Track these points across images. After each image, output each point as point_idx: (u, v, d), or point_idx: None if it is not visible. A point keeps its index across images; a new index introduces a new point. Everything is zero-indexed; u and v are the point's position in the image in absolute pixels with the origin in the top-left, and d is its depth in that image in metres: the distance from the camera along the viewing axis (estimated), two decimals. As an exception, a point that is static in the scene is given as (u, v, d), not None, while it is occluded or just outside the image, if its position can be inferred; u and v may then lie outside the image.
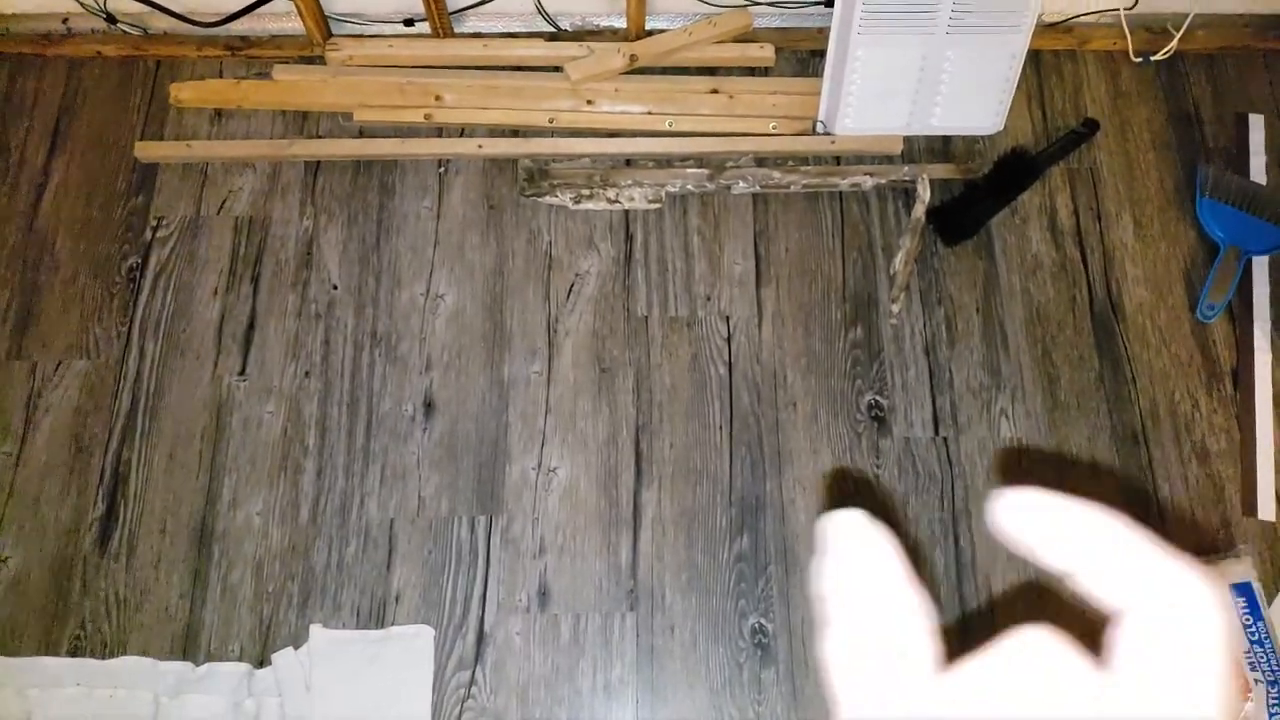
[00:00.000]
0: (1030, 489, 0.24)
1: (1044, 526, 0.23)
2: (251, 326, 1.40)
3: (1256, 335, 1.41)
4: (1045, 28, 1.57)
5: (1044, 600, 1.28)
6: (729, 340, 1.41)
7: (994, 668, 0.23)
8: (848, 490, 1.33)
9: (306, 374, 1.38)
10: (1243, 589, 1.27)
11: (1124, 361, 1.41)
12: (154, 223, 1.46)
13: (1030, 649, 0.22)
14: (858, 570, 0.23)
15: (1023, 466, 1.35)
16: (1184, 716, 0.20)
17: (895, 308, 1.43)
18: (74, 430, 1.34)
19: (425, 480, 1.32)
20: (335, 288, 1.43)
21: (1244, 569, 1.28)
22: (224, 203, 1.48)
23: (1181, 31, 1.54)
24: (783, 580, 1.28)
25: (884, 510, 1.32)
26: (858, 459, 1.35)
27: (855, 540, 0.24)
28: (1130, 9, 1.52)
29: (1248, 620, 1.25)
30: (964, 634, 1.26)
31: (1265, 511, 1.32)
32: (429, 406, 1.36)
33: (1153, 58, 1.57)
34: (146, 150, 1.49)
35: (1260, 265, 1.45)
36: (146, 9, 1.53)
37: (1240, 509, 1.33)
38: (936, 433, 1.37)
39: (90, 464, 1.33)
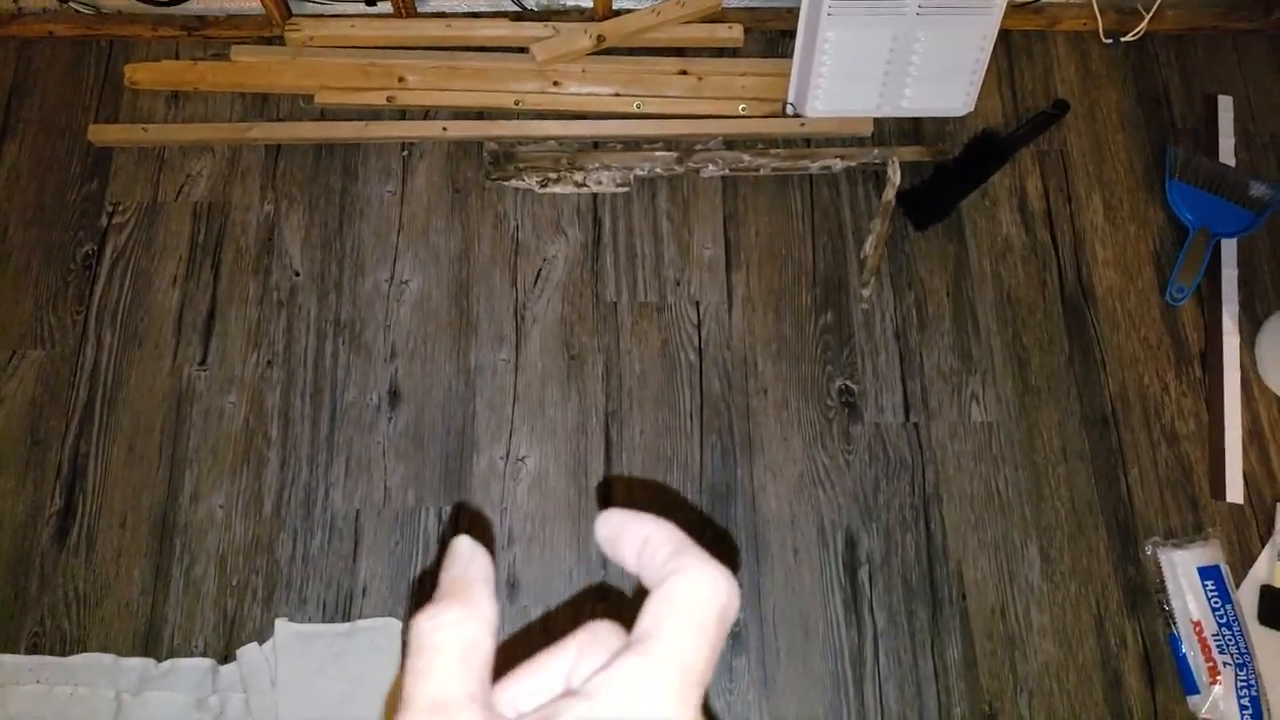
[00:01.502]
0: (616, 510, 0.28)
1: (620, 536, 0.28)
2: (212, 315, 1.35)
3: (1225, 318, 1.38)
4: (1015, 8, 1.53)
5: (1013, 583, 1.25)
6: (699, 326, 1.37)
7: (562, 658, 0.27)
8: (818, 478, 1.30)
9: (269, 363, 1.33)
10: (1210, 572, 1.25)
11: (1094, 345, 1.38)
12: (110, 208, 1.40)
13: (594, 637, 0.27)
14: (450, 580, 0.27)
15: (994, 450, 1.32)
16: (673, 657, 0.24)
17: (866, 292, 1.40)
18: (30, 422, 1.29)
19: (391, 471, 1.28)
20: (297, 274, 1.38)
21: (1212, 552, 1.27)
22: (182, 188, 1.42)
23: (1151, 12, 1.50)
24: (754, 568, 1.25)
25: (855, 495, 1.29)
26: (829, 445, 1.32)
27: (459, 559, 0.28)
28: (1101, -11, 1.49)
29: (1216, 604, 1.23)
30: (936, 623, 1.24)
31: (1233, 494, 1.30)
32: (394, 395, 1.32)
33: (1123, 39, 1.53)
34: (101, 134, 1.43)
35: (1229, 248, 1.42)
36: (99, -13, 1.46)
37: (1209, 491, 1.32)
38: (907, 418, 1.34)
39: (47, 457, 1.27)
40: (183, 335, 1.34)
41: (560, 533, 1.26)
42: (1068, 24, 1.55)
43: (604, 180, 1.44)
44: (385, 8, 1.52)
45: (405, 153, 1.45)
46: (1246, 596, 1.26)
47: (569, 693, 0.25)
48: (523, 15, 1.53)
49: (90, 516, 1.24)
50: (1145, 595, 1.26)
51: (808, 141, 1.48)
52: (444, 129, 1.45)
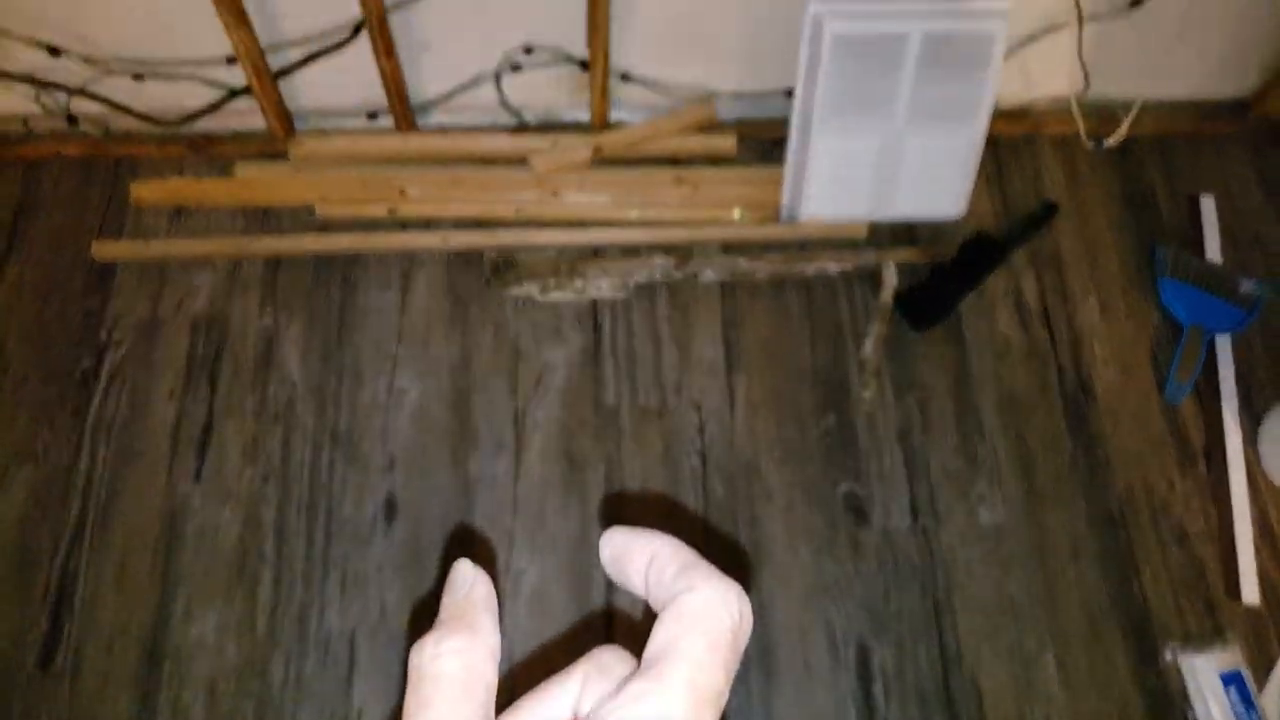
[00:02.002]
0: (619, 529, 0.27)
1: (625, 556, 0.27)
2: (208, 429, 1.33)
3: (1225, 414, 1.37)
4: (1001, 113, 1.56)
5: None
6: (701, 430, 1.36)
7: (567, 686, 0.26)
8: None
9: (265, 478, 1.30)
10: (1232, 678, 1.21)
11: (1097, 443, 1.37)
12: (110, 323, 1.39)
13: (598, 665, 0.26)
14: (454, 600, 0.26)
15: (1004, 553, 1.29)
16: (687, 679, 0.22)
17: (867, 394, 1.39)
18: (19, 541, 1.25)
19: (387, 587, 1.24)
20: (295, 386, 1.36)
21: (1233, 657, 1.23)
22: (182, 302, 1.42)
23: (1131, 117, 1.54)
24: (764, 684, 1.20)
25: (866, 604, 1.25)
26: (837, 552, 1.29)
27: (461, 584, 0.27)
28: (1081, 96, 1.53)
29: (1240, 712, 1.19)
30: (952, 733, 1.19)
31: (1249, 595, 1.27)
32: (390, 508, 1.29)
33: (1105, 142, 1.57)
34: (104, 250, 1.44)
35: (1224, 344, 1.42)
36: (108, 109, 1.48)
37: (1223, 591, 1.28)
38: (915, 522, 1.31)
39: (35, 577, 1.23)
40: (178, 450, 1.31)
41: (562, 654, 1.21)
42: (1052, 128, 1.58)
43: (603, 286, 1.44)
44: (386, 122, 1.55)
45: (406, 264, 1.45)
46: (1271, 702, 1.21)
47: (583, 718, 0.24)
48: (522, 129, 1.56)
49: (77, 639, 1.20)
50: (1167, 702, 1.21)
51: (803, 246, 1.49)
52: (444, 239, 1.46)
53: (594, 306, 1.44)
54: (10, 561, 1.24)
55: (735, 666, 0.24)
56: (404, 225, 1.48)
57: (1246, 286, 1.45)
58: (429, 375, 1.38)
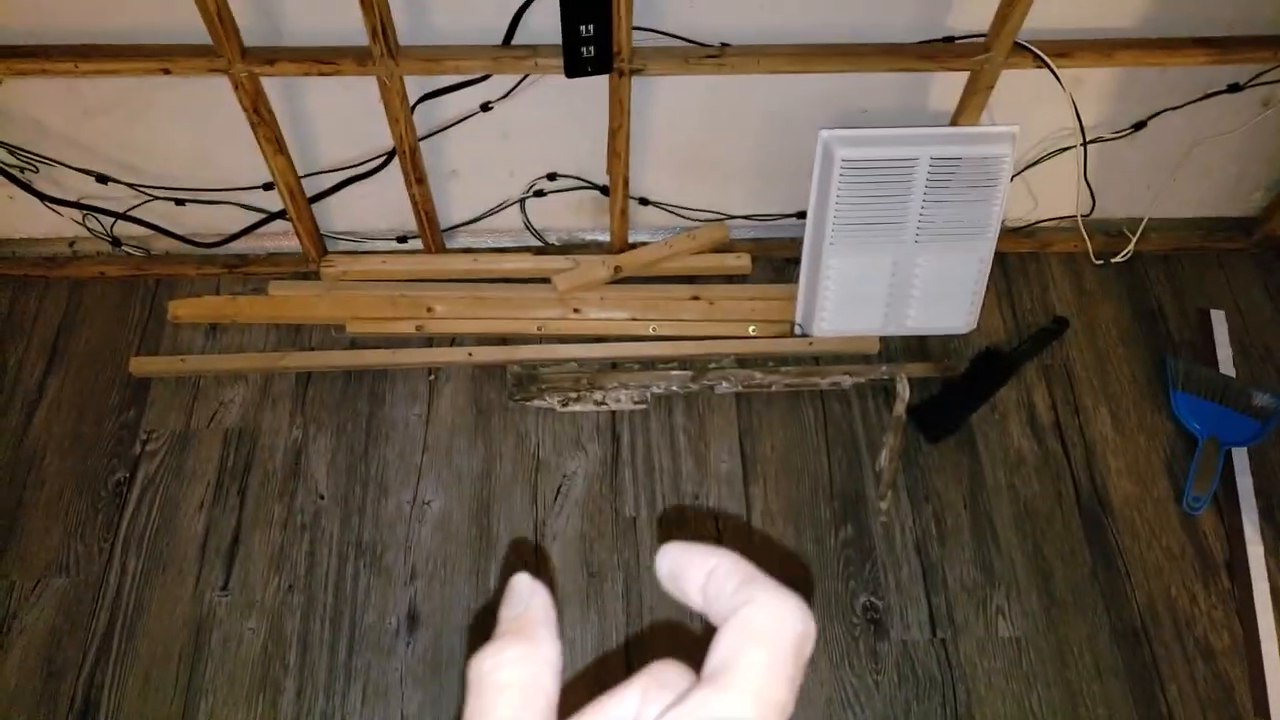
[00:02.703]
0: (676, 543, 0.28)
1: (683, 570, 0.27)
2: (236, 540, 1.41)
3: (1246, 527, 1.43)
4: (1009, 232, 1.68)
5: (1059, 816, 1.23)
6: (719, 540, 1.42)
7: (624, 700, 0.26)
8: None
9: (290, 587, 1.38)
10: (1265, 798, 1.23)
11: (1116, 556, 1.42)
12: (144, 436, 1.50)
13: (657, 678, 0.26)
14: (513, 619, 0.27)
15: (1024, 667, 1.33)
16: (752, 690, 0.23)
17: (883, 505, 1.46)
18: (47, 652, 1.32)
19: (409, 699, 1.30)
20: (322, 497, 1.45)
21: (1264, 776, 1.25)
22: (214, 415, 1.52)
23: (1137, 236, 1.65)
24: (783, 800, 1.24)
25: (886, 718, 1.30)
26: (856, 664, 1.34)
27: (519, 597, 0.27)
28: (1087, 215, 1.64)
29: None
30: None
31: (1278, 713, 1.30)
32: (413, 619, 1.35)
33: (1112, 260, 1.67)
34: (141, 365, 1.55)
35: (1240, 456, 1.49)
36: (150, 232, 1.63)
37: (1251, 708, 1.31)
38: (934, 634, 1.36)
39: (61, 689, 1.30)
40: (206, 560, 1.40)
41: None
42: (1059, 246, 1.70)
43: (622, 398, 1.54)
44: (416, 244, 1.68)
45: (432, 377, 1.56)
46: (1308, 826, 1.23)
47: None
48: (544, 250, 1.69)
49: (100, 752, 1.25)
50: (1200, 826, 1.23)
51: (816, 359, 1.59)
52: (469, 354, 1.57)
53: (613, 418, 1.53)
54: (38, 673, 1.31)
55: (799, 680, 0.24)
56: (430, 341, 1.59)
57: (1260, 399, 1.52)
58: (452, 486, 1.46)
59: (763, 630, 0.24)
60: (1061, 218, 1.68)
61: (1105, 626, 1.37)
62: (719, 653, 0.24)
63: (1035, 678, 1.33)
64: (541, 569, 1.40)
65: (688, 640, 1.34)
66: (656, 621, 1.36)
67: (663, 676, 0.26)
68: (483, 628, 1.32)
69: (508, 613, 0.27)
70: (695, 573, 0.27)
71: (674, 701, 0.24)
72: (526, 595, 0.27)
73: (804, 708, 1.30)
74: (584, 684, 1.31)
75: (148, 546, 1.40)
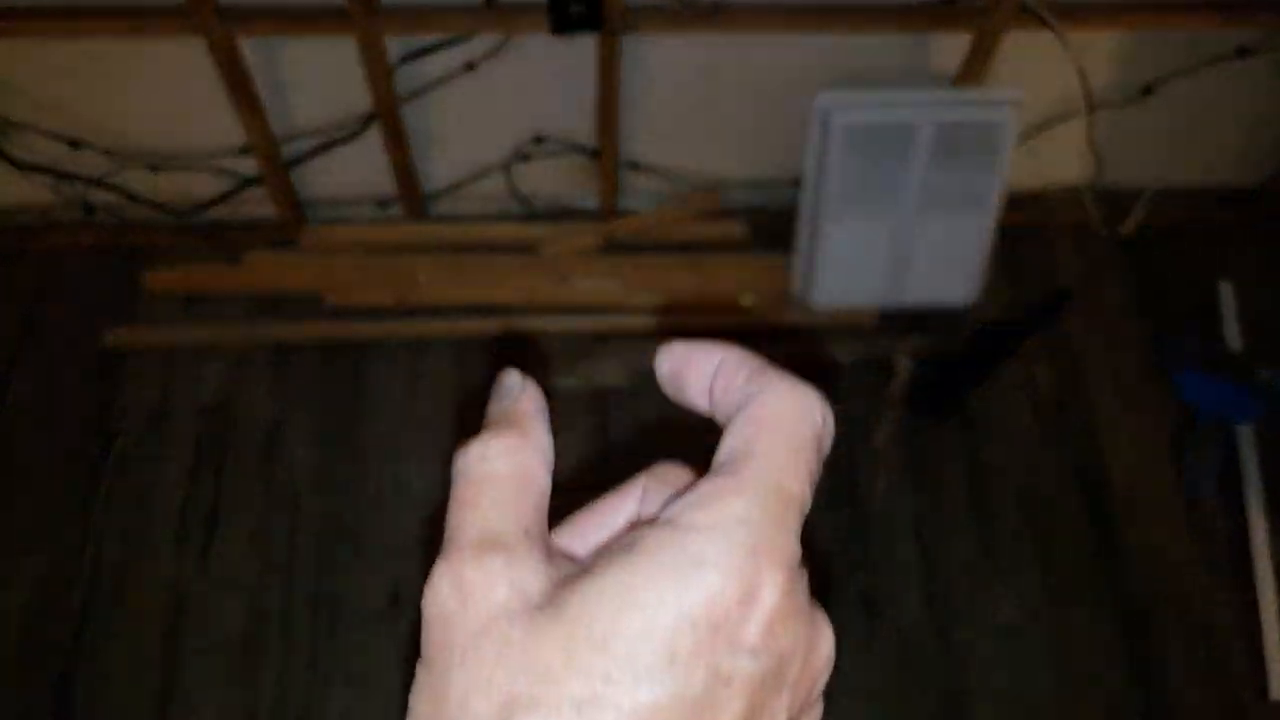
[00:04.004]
0: (678, 341, 0.27)
1: (686, 368, 0.26)
2: (214, 517, 1.44)
3: (1249, 505, 1.46)
4: (1013, 202, 1.69)
5: None
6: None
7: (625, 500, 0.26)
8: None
9: (269, 566, 1.41)
10: (1261, 780, 1.28)
11: (1117, 534, 1.45)
12: (118, 412, 1.52)
13: (659, 476, 0.26)
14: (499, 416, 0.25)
15: (1023, 652, 1.37)
16: (769, 479, 0.22)
17: (880, 485, 1.49)
18: (24, 631, 1.36)
19: (390, 679, 1.33)
20: (302, 475, 1.48)
21: (1261, 758, 1.29)
22: (190, 390, 1.54)
23: (1143, 206, 1.67)
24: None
25: (880, 701, 1.33)
26: (849, 647, 1.37)
27: (508, 393, 0.26)
28: (1092, 185, 1.66)
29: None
30: (969, 838, 1.25)
31: (1277, 692, 1.34)
32: (394, 599, 1.38)
33: (1118, 230, 1.69)
34: (116, 338, 1.57)
35: (1245, 434, 1.52)
36: (124, 199, 1.64)
37: (1253, 692, 1.35)
38: (930, 618, 1.39)
39: (40, 666, 1.33)
40: (183, 539, 1.42)
41: None
42: (1064, 216, 1.71)
43: (611, 373, 1.56)
44: (396, 211, 1.70)
45: (414, 350, 1.58)
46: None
47: (646, 520, 0.23)
48: (531, 217, 1.71)
49: (78, 733, 1.29)
50: (1196, 808, 1.28)
51: (813, 332, 1.61)
52: (453, 326, 1.59)
53: (602, 393, 1.55)
54: (14, 652, 1.34)
55: (818, 475, 0.23)
56: (412, 312, 1.61)
57: (1266, 375, 1.55)
58: (435, 463, 1.49)
59: (780, 419, 0.23)
60: (1066, 187, 1.70)
61: (1106, 610, 1.40)
62: (731, 441, 0.23)
63: (1033, 660, 1.37)
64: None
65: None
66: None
67: (665, 475, 0.27)
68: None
69: (496, 406, 0.26)
70: (700, 368, 0.26)
71: (681, 490, 0.23)
72: (516, 389, 0.26)
73: (795, 689, 1.33)
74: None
75: (124, 523, 1.43)
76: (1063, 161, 1.67)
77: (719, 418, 0.25)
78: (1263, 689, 1.34)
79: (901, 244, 1.55)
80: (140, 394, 1.54)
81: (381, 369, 1.57)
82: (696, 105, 1.58)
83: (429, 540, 1.43)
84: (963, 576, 1.42)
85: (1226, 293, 1.64)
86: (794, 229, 1.59)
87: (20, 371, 1.56)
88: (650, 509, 0.26)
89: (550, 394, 0.27)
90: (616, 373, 1.56)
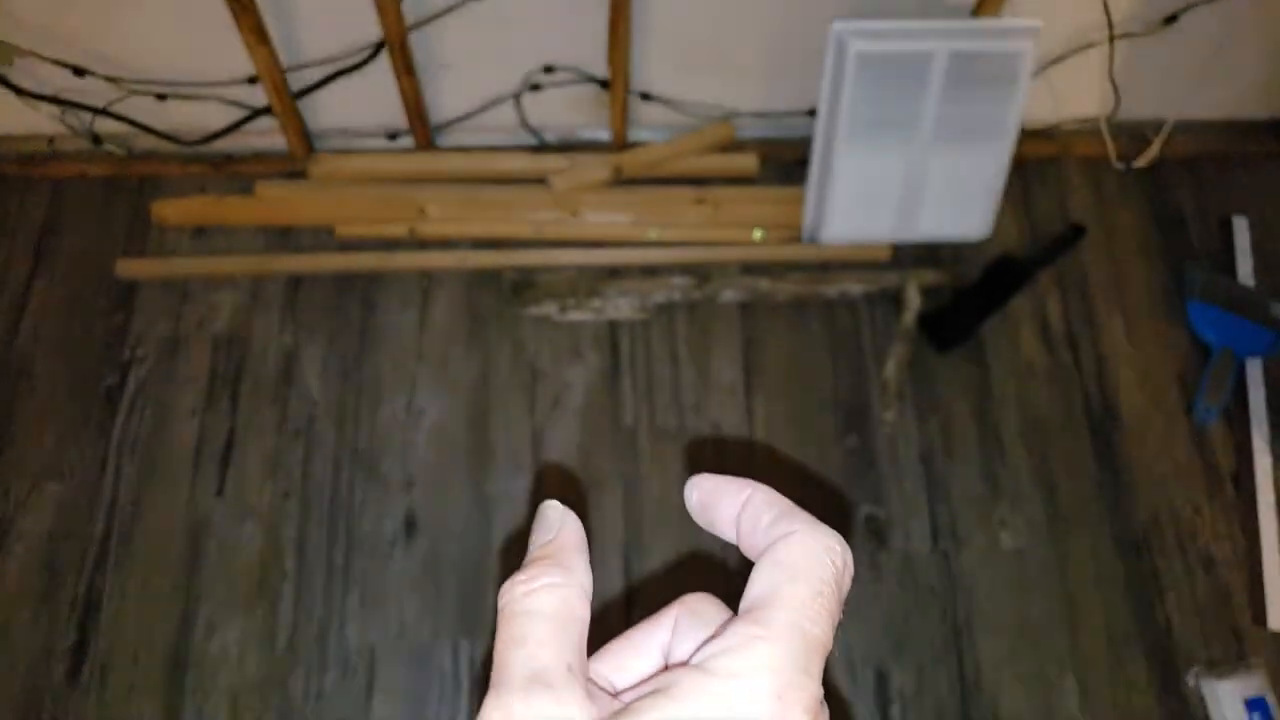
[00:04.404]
0: (707, 474, 0.29)
1: (716, 501, 0.29)
2: (229, 446, 1.48)
3: (1255, 438, 1.49)
4: (1028, 135, 1.70)
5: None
6: (720, 452, 1.49)
7: (658, 628, 0.27)
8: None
9: (285, 494, 1.45)
10: (1257, 704, 1.32)
11: (1122, 468, 1.49)
12: (133, 341, 1.55)
13: (690, 609, 0.27)
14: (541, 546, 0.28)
15: (1025, 578, 1.41)
16: (793, 625, 0.24)
17: (888, 416, 1.52)
18: (46, 556, 1.40)
19: (406, 604, 1.38)
20: (316, 404, 1.51)
21: (1258, 683, 1.34)
22: (203, 319, 1.57)
23: (1161, 138, 1.67)
24: (779, 703, 1.33)
25: (884, 627, 1.38)
26: (856, 574, 1.41)
27: (549, 524, 0.28)
28: (1110, 117, 1.66)
29: (1263, 738, 1.30)
30: (970, 757, 1.30)
31: (1275, 620, 1.38)
32: (410, 525, 1.43)
33: (1134, 164, 1.70)
34: (127, 268, 1.60)
35: (1254, 367, 1.54)
36: (132, 129, 1.65)
37: (1249, 618, 1.39)
38: (936, 545, 1.44)
39: (62, 592, 1.38)
40: (200, 466, 1.46)
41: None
42: (1080, 149, 1.72)
43: (622, 306, 1.59)
44: (406, 142, 1.71)
45: (425, 282, 1.60)
46: (1297, 730, 1.32)
47: (678, 664, 0.25)
48: (541, 148, 1.72)
49: (103, 652, 1.34)
50: (1191, 730, 1.33)
51: (824, 267, 1.63)
52: (463, 259, 1.61)
53: (612, 327, 1.58)
54: (38, 575, 1.39)
55: (839, 616, 0.25)
56: (423, 245, 1.63)
57: (1278, 310, 1.57)
58: (448, 394, 1.52)
59: (803, 565, 0.25)
60: (1083, 119, 1.70)
61: (1108, 537, 1.44)
62: (757, 586, 0.25)
63: (1036, 588, 1.41)
64: (539, 476, 1.47)
65: (686, 547, 1.42)
66: (655, 529, 1.43)
67: (696, 608, 0.28)
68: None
69: (538, 539, 0.28)
70: (728, 504, 0.28)
71: (712, 634, 0.24)
72: (557, 522, 0.28)
73: (802, 614, 1.38)
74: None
75: (141, 451, 1.47)
76: (1080, 93, 1.67)
77: (744, 550, 0.27)
78: (1262, 618, 1.38)
79: (915, 177, 1.56)
80: (153, 324, 1.57)
81: (392, 300, 1.59)
82: (709, 34, 1.58)
83: (442, 468, 1.47)
84: (969, 505, 1.46)
85: (1241, 227, 1.65)
86: (807, 162, 1.60)
87: (34, 302, 1.58)
88: (682, 643, 0.27)
89: (582, 513, 0.30)
90: (627, 306, 1.58)
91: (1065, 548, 1.44)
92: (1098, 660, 1.37)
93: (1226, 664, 1.36)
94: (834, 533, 0.26)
